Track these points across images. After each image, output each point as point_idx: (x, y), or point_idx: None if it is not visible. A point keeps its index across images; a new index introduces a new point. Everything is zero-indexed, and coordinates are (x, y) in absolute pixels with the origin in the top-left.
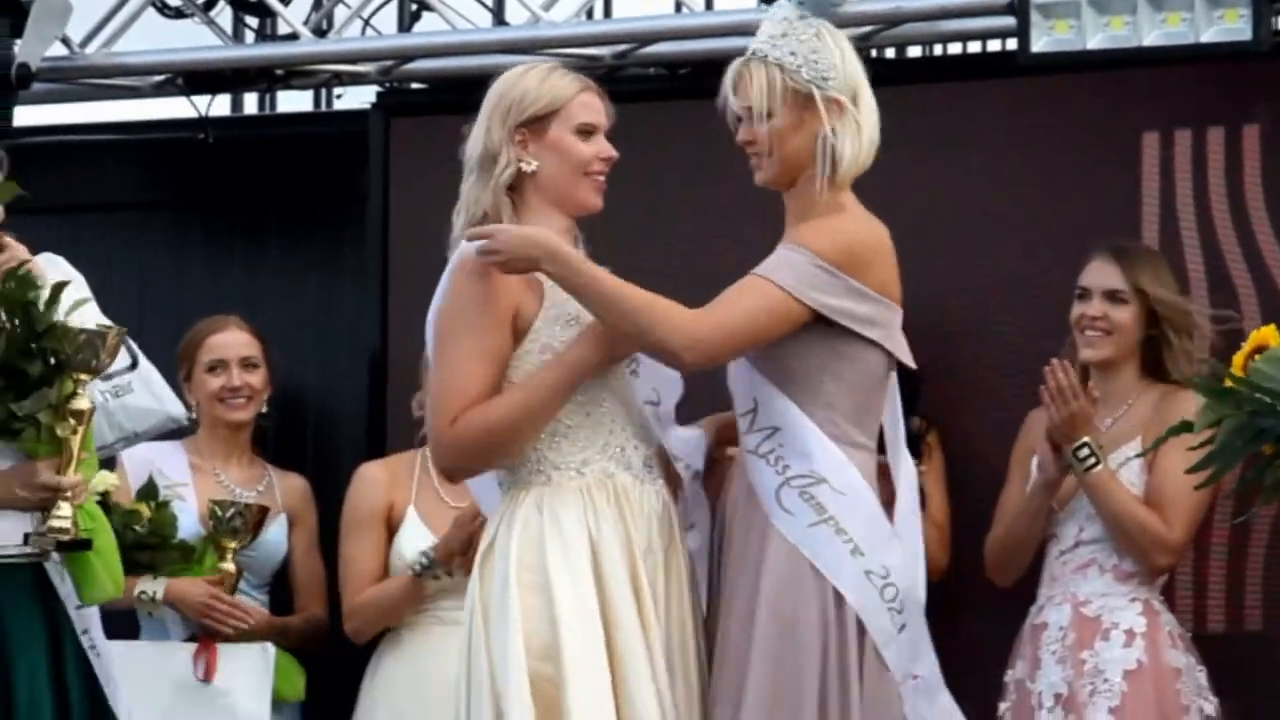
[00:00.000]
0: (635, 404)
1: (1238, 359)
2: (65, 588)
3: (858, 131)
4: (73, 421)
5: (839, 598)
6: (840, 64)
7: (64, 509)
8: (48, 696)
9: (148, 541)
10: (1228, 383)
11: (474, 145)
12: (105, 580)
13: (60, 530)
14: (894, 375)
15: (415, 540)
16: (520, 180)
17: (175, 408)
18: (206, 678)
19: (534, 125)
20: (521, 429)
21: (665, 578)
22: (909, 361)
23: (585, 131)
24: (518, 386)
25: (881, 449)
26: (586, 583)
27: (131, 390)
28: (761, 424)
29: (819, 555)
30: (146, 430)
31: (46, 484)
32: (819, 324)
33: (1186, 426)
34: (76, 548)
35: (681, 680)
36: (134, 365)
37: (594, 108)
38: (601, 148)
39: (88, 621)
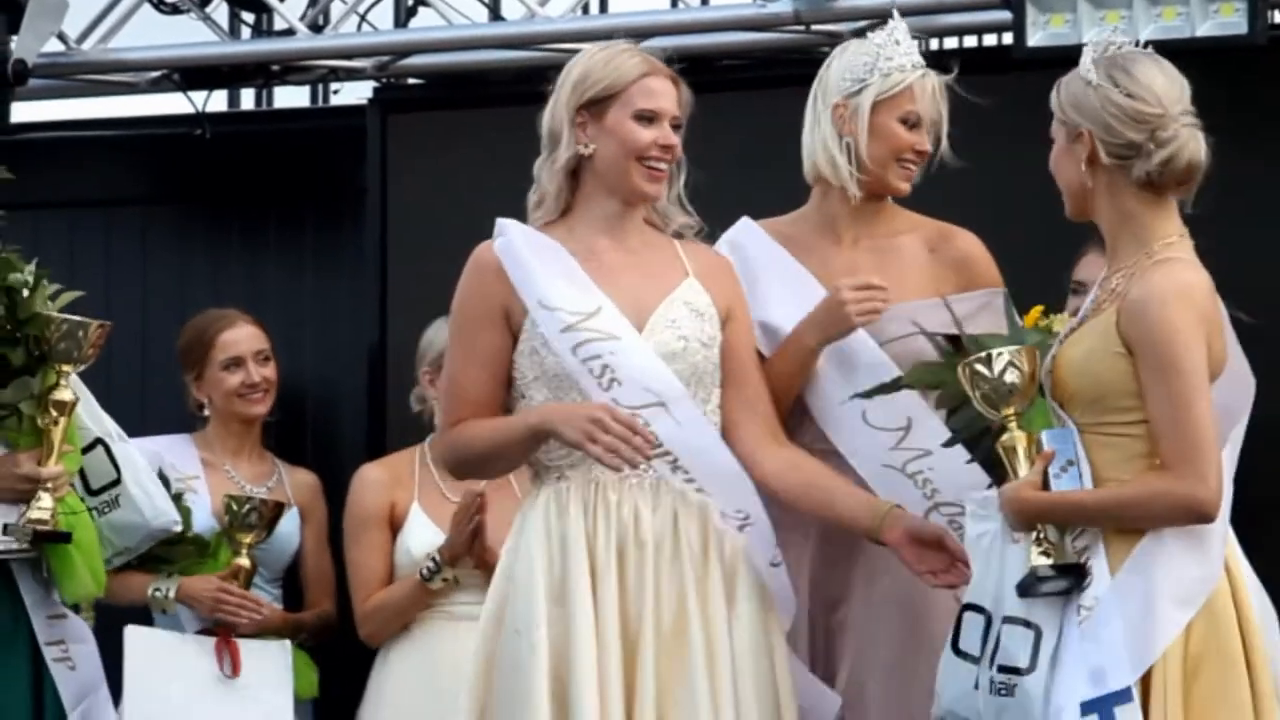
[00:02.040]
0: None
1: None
2: (33, 596)
3: None
4: (54, 413)
5: None
6: None
7: (44, 500)
8: (26, 704)
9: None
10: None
11: (544, 124)
12: (86, 576)
13: (39, 521)
14: None
15: (421, 537)
16: (580, 163)
17: (160, 519)
18: (233, 673)
19: (594, 107)
20: (486, 465)
21: (665, 567)
22: None
23: (645, 117)
24: (490, 425)
25: None
26: (539, 574)
27: (118, 506)
28: (912, 444)
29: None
30: (136, 545)
31: (27, 475)
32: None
33: (895, 384)
34: (55, 539)
35: (669, 656)
36: (117, 481)
37: (657, 93)
38: (661, 134)
39: (61, 631)
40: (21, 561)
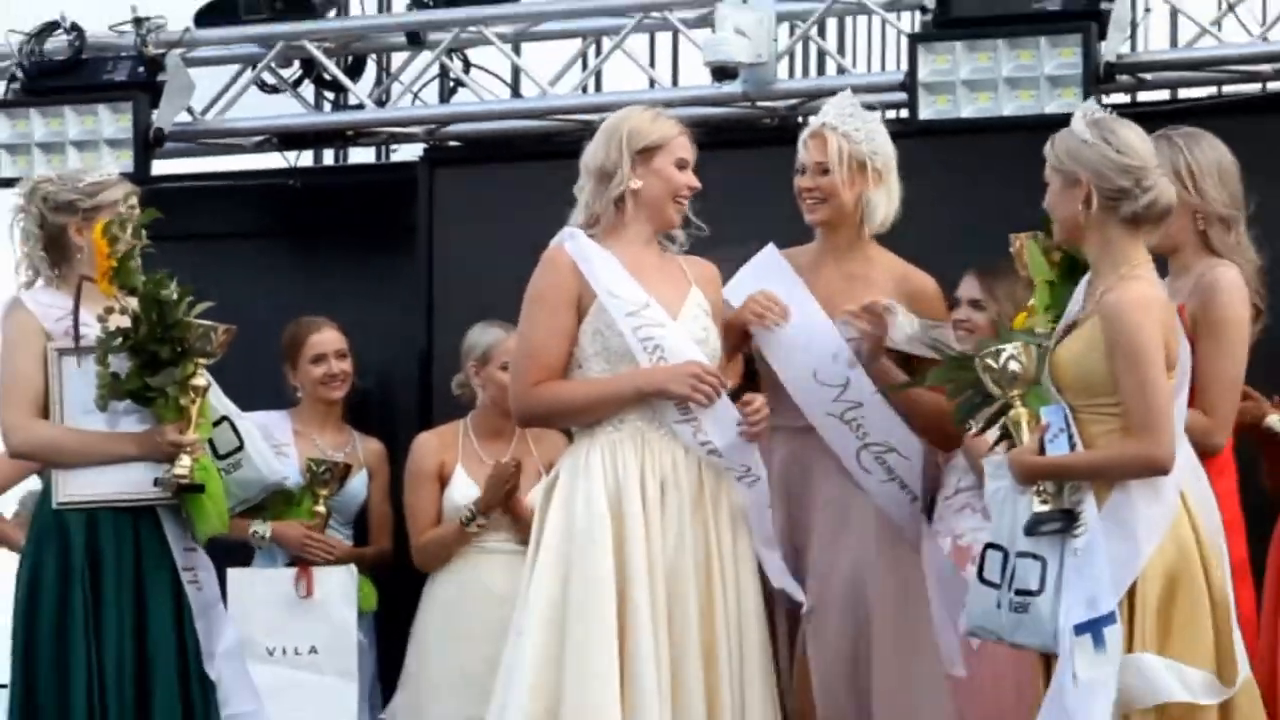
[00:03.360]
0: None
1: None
2: (174, 533)
3: (888, 198)
4: (192, 394)
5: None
6: (884, 146)
7: (184, 460)
8: (170, 624)
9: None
10: (952, 355)
11: (592, 159)
12: (214, 518)
13: (181, 476)
14: None
15: (463, 491)
16: (625, 194)
17: (274, 475)
18: (308, 594)
19: (645, 153)
20: (579, 415)
21: (692, 507)
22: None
23: (681, 165)
24: (589, 384)
25: None
26: (600, 505)
27: (241, 467)
28: (848, 398)
29: (888, 505)
30: (254, 495)
31: (173, 441)
32: None
33: (920, 381)
34: (192, 490)
35: (694, 577)
36: (240, 447)
37: (688, 147)
38: (690, 179)
39: (195, 560)
40: (165, 507)
